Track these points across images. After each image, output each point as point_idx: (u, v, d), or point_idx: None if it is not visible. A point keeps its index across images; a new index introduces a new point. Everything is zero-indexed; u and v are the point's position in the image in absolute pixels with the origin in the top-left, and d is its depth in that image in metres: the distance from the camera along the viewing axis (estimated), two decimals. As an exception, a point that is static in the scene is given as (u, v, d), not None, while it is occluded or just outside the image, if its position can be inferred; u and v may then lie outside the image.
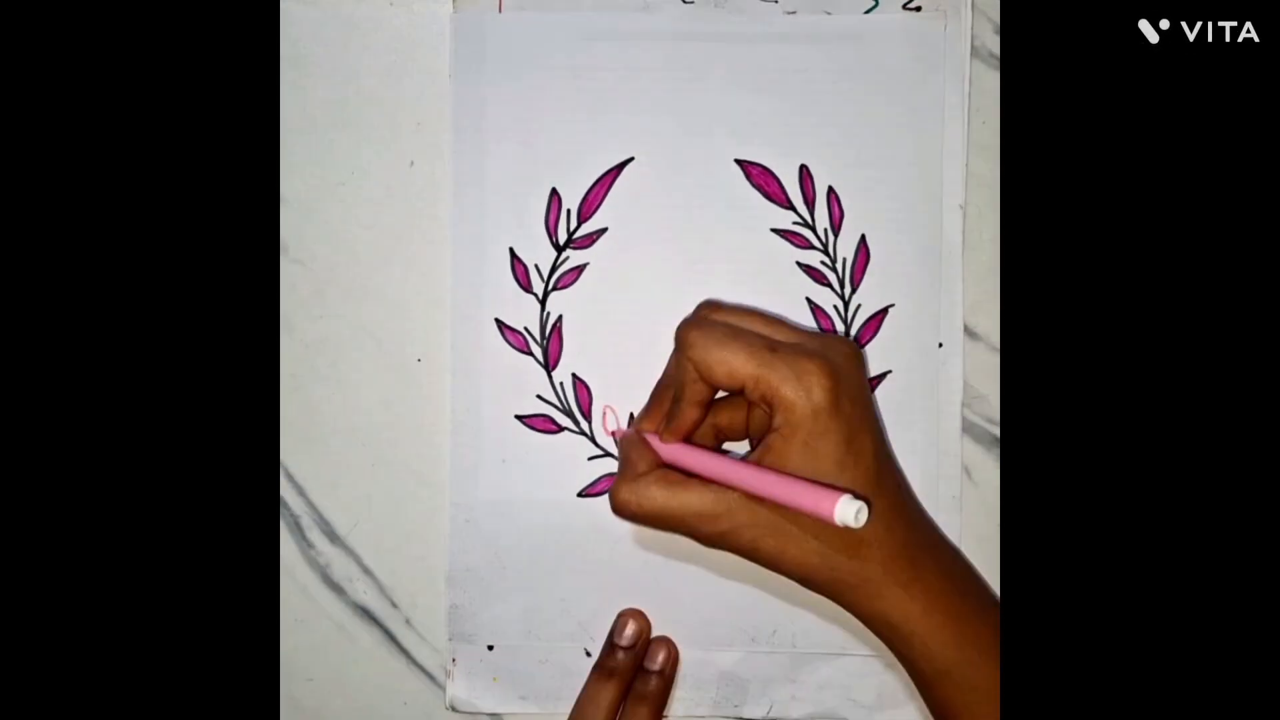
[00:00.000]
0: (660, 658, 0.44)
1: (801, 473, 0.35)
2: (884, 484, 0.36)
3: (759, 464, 0.35)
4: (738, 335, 0.36)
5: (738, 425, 0.40)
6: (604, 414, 0.44)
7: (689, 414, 0.38)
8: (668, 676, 0.44)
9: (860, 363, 0.38)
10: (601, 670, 0.43)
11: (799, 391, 0.35)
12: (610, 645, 0.44)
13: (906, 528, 0.37)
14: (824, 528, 0.35)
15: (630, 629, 0.44)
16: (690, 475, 0.37)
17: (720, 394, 0.39)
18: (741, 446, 0.42)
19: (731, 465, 0.36)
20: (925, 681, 0.37)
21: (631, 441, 0.39)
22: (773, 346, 0.36)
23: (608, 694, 0.43)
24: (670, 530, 0.37)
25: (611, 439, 0.44)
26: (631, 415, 0.44)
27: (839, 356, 0.36)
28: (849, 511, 0.32)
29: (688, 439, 0.39)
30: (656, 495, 0.36)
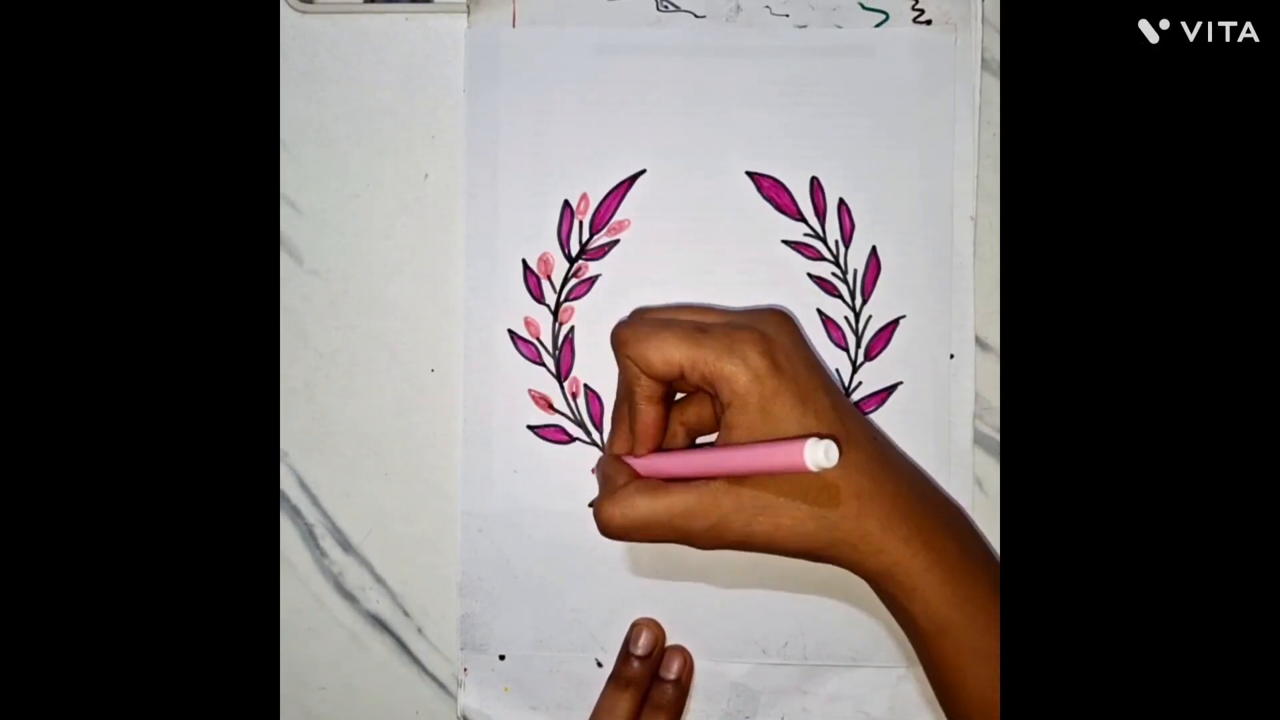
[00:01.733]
0: (675, 667, 0.44)
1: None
2: (853, 435, 0.36)
3: (725, 445, 0.35)
4: (667, 325, 0.37)
5: (706, 419, 0.40)
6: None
7: (647, 414, 0.38)
8: (683, 686, 0.44)
9: (793, 328, 0.38)
10: (618, 680, 0.43)
11: (735, 362, 0.35)
12: (626, 654, 0.44)
13: (894, 478, 0.36)
14: (809, 489, 0.35)
15: (645, 638, 0.44)
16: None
17: (679, 396, 0.40)
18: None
19: (701, 455, 0.36)
20: (924, 639, 0.37)
21: (607, 461, 0.39)
22: (702, 328, 0.37)
23: (625, 703, 0.43)
24: (661, 539, 0.36)
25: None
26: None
27: (768, 325, 0.37)
28: (818, 451, 0.31)
29: (660, 448, 0.39)
30: (640, 504, 0.36)
